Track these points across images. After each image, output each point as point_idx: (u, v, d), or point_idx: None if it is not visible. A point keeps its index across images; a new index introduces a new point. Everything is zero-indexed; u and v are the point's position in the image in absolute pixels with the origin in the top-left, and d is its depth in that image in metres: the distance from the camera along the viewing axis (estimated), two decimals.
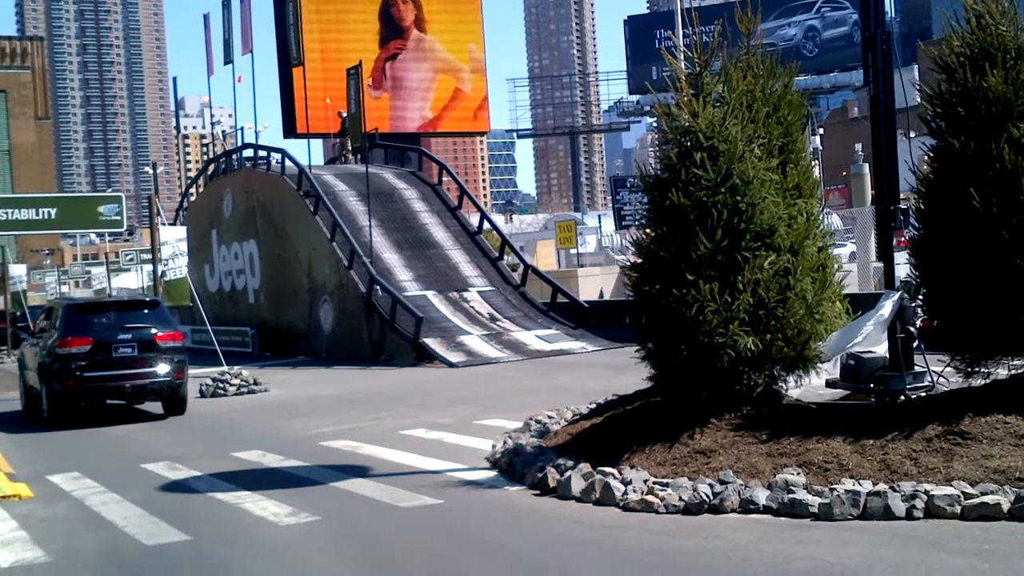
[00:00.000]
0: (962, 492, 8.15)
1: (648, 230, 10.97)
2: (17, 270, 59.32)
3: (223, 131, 67.10)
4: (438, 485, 10.67)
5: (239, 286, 36.83)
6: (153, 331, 18.38)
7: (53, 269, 79.40)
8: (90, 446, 15.74)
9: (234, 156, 40.79)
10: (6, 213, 24.95)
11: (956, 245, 9.78)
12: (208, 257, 39.00)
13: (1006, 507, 7.93)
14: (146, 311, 18.94)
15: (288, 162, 34.11)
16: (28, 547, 9.03)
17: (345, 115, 36.76)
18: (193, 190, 44.57)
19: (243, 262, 36.12)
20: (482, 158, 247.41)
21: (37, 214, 25.36)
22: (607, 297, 36.82)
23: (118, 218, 25.87)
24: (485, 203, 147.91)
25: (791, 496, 8.54)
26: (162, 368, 18.20)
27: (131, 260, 55.21)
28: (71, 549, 8.99)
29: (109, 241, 68.64)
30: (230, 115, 53.67)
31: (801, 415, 10.29)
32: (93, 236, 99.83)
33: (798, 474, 8.95)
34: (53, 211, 25.60)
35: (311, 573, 7.99)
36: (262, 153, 37.93)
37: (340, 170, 36.62)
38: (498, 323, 28.60)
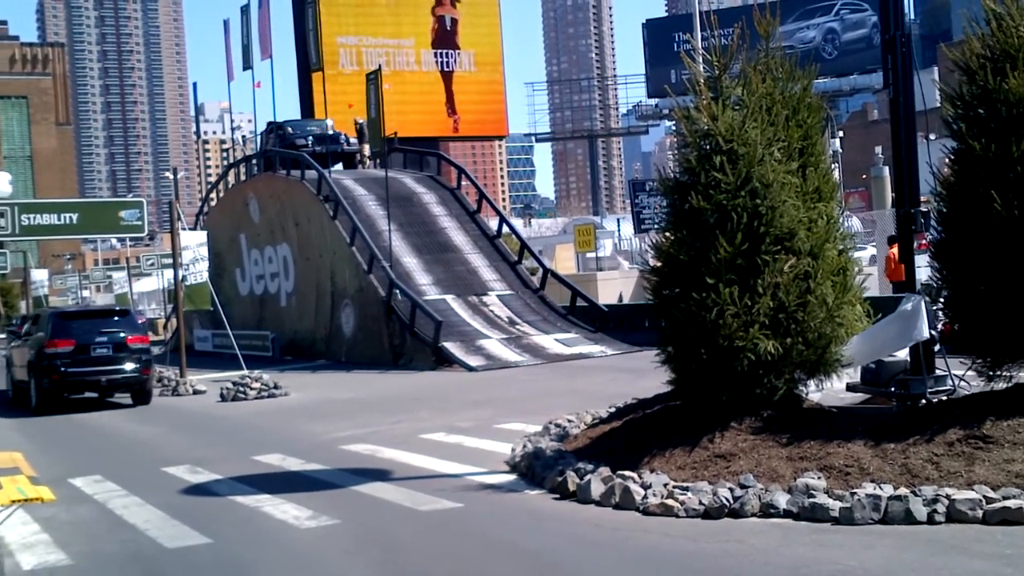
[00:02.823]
0: (984, 496, 8.11)
1: (667, 234, 10.96)
2: (39, 275, 59.63)
3: (243, 136, 67.34)
4: (458, 489, 10.69)
5: (272, 290, 36.86)
6: (124, 335, 21.65)
7: (75, 274, 79.89)
8: (112, 450, 15.84)
9: (254, 162, 40.92)
10: (28, 218, 25.04)
11: (978, 248, 9.73)
12: (238, 261, 39.07)
13: None
14: (118, 318, 22.52)
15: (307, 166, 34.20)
16: (51, 550, 9.10)
17: (361, 122, 36.84)
18: (213, 195, 44.74)
19: (277, 265, 36.16)
20: (501, 162, 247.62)
21: (59, 219, 25.46)
22: (626, 301, 36.76)
23: (139, 223, 25.96)
24: (504, 207, 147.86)
25: (812, 500, 8.52)
26: (131, 365, 21.45)
27: (152, 265, 55.50)
28: (93, 552, 9.05)
29: (130, 246, 69.03)
30: (249, 120, 53.83)
31: (822, 419, 10.26)
32: (114, 241, 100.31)
33: (819, 478, 8.92)
34: (75, 216, 25.70)
35: None
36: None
37: (359, 174, 36.72)
38: (517, 327, 28.60)
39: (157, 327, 52.41)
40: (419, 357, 26.83)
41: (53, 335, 21.08)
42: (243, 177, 40.38)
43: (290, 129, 38.51)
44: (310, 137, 37.31)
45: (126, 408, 21.53)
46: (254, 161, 40.87)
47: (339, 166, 37.73)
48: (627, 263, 52.10)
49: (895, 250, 25.15)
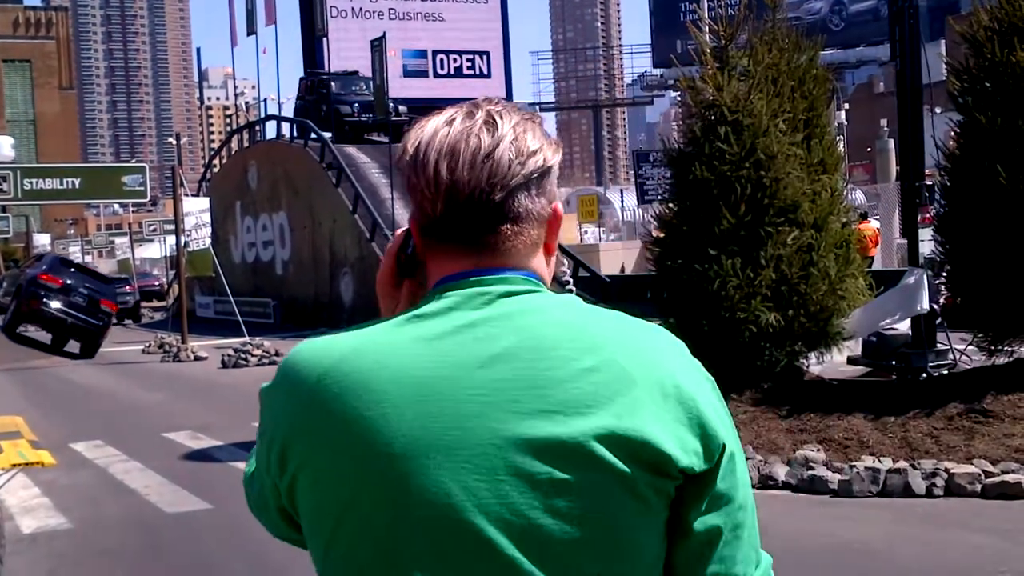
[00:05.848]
0: (983, 471, 8.10)
1: (671, 205, 10.93)
2: (41, 239, 59.64)
3: (246, 103, 67.20)
4: None
5: (265, 257, 36.81)
6: (100, 296, 25.39)
7: (77, 239, 79.92)
8: (112, 415, 15.87)
9: (257, 128, 40.71)
10: (31, 183, 25.02)
11: (982, 222, 9.69)
12: (233, 228, 39.05)
13: None
14: (103, 284, 26.69)
15: (311, 134, 34.06)
16: (51, 514, 9.12)
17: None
18: (216, 161, 44.63)
19: (272, 233, 36.07)
20: None
21: (61, 184, 25.45)
22: (628, 272, 36.72)
23: (142, 188, 25.92)
24: None
25: (811, 472, 8.52)
26: (94, 321, 25.17)
27: (154, 231, 55.49)
28: (93, 516, 9.07)
29: (132, 211, 68.97)
30: (253, 86, 53.74)
31: (822, 391, 10.25)
32: (116, 206, 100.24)
33: (818, 451, 8.92)
34: (77, 181, 25.66)
35: None
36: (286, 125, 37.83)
37: (362, 142, 36.51)
38: None
39: (161, 292, 52.43)
40: None
41: (48, 270, 25.29)
42: (246, 144, 40.26)
43: (335, 87, 36.30)
44: (355, 104, 35.73)
45: (124, 371, 21.92)
46: (257, 128, 40.68)
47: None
48: (603, 235, 51.20)
49: (865, 225, 25.21)
